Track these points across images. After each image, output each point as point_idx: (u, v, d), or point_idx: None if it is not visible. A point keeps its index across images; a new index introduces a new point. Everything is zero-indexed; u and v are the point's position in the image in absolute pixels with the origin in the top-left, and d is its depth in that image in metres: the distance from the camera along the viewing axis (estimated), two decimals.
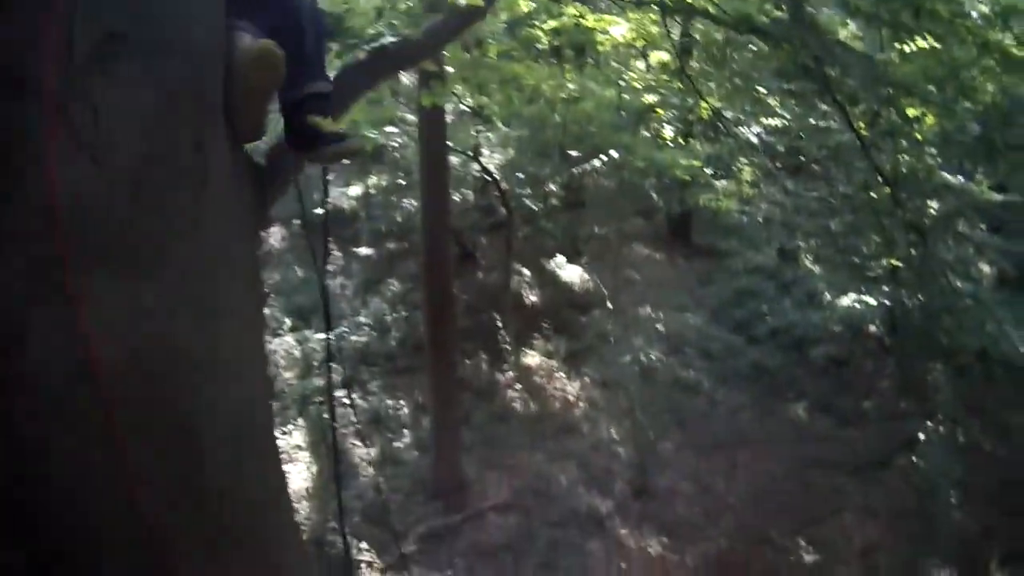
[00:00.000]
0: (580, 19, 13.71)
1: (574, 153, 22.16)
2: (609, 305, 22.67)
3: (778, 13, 8.86)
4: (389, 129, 20.91)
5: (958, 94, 12.60)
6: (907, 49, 11.59)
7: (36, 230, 2.36)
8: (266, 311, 19.89)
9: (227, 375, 3.01)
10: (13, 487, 2.46)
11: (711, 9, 8.95)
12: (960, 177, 16.86)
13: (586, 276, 24.99)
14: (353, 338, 21.81)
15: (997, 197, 16.67)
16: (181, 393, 2.78)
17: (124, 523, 2.61)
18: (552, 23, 14.35)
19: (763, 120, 19.53)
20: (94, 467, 2.55)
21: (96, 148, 2.44)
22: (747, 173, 21.38)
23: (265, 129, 3.43)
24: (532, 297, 24.42)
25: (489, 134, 21.91)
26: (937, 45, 10.79)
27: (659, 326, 21.88)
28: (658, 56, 17.85)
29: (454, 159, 20.08)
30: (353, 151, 3.82)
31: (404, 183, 23.03)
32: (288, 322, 22.54)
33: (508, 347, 21.58)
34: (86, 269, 2.44)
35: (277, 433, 17.34)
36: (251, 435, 3.22)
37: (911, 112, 13.37)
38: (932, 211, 16.28)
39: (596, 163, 21.39)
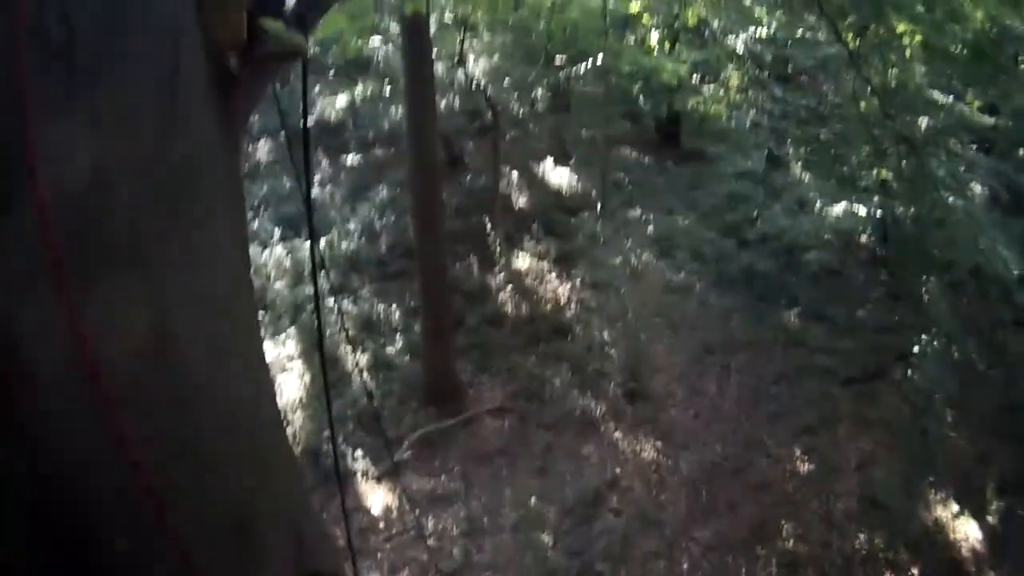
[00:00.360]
0: None
1: (560, 58, 22.07)
2: (599, 207, 22.65)
3: None
4: (374, 39, 20.83)
5: (947, 18, 12.56)
6: None
7: (33, 228, 2.35)
8: (255, 222, 19.90)
9: (224, 360, 3.07)
10: (23, 482, 2.47)
11: None
12: (951, 97, 16.83)
13: (575, 179, 24.95)
14: (343, 244, 21.80)
15: (988, 119, 16.62)
16: (180, 385, 2.86)
17: (132, 511, 2.68)
18: None
19: (750, 29, 19.45)
20: (100, 461, 2.61)
21: (71, 59, 2.40)
22: (734, 79, 21.34)
23: (244, 39, 3.38)
24: (521, 200, 24.41)
25: (474, 41, 21.75)
26: None
27: (649, 228, 21.84)
28: None
29: (439, 66, 19.91)
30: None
31: (390, 91, 22.89)
32: (277, 232, 22.50)
33: (498, 250, 21.55)
34: (75, 262, 2.44)
35: (270, 344, 17.46)
36: (254, 420, 3.29)
37: (900, 28, 13.33)
38: (922, 127, 16.16)
39: (582, 68, 21.25)
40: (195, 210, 2.95)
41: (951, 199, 15.67)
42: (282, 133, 25.18)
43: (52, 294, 2.38)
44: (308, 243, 21.38)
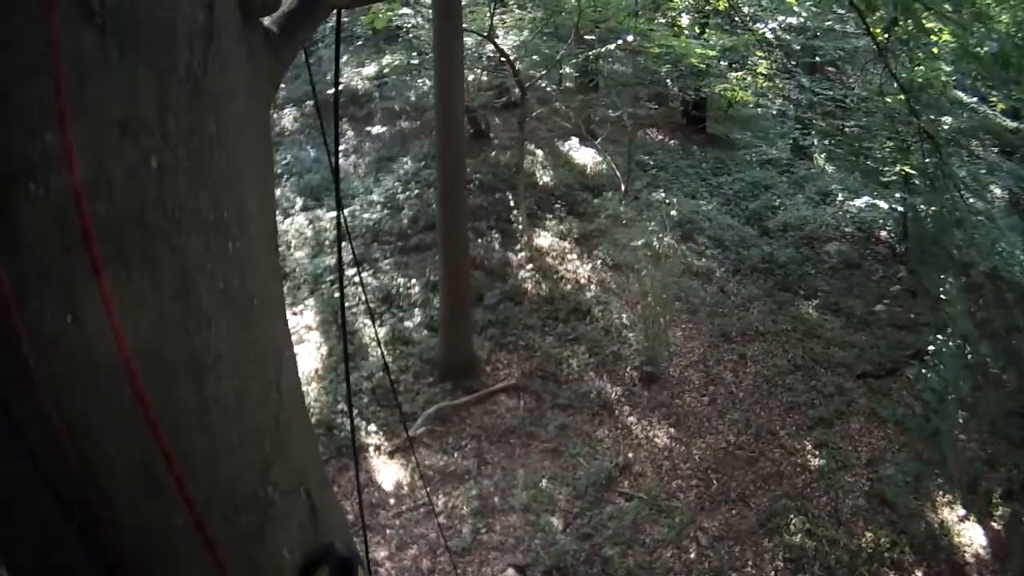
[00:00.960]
0: None
1: (589, 37, 22.05)
2: (622, 188, 22.63)
3: None
4: (403, 10, 20.80)
5: (974, 19, 12.57)
6: None
7: (60, 196, 2.32)
8: (277, 191, 19.90)
9: (247, 330, 3.09)
10: (35, 448, 2.46)
11: None
12: (975, 98, 16.84)
13: (599, 158, 24.92)
14: (365, 216, 21.81)
15: (1010, 123, 16.61)
16: (201, 354, 2.84)
17: (148, 478, 2.67)
18: None
19: (779, 17, 19.47)
20: (119, 426, 2.59)
21: (103, 21, 2.38)
22: (763, 67, 21.33)
23: (280, 2, 3.36)
24: (545, 178, 24.38)
25: (504, 16, 21.72)
26: None
27: (672, 212, 21.79)
28: None
29: (468, 39, 19.86)
30: None
31: (417, 63, 22.89)
32: (299, 201, 22.55)
33: (520, 227, 21.53)
34: (104, 230, 2.42)
35: (288, 314, 17.49)
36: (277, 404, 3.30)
37: (927, 24, 13.38)
38: (946, 126, 16.15)
39: (611, 47, 21.22)
40: (225, 180, 2.91)
41: (971, 200, 15.68)
42: (308, 102, 25.24)
43: (78, 262, 2.35)
44: (330, 213, 21.45)
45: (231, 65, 2.92)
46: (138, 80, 2.48)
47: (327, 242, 20.83)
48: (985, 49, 14.01)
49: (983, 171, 17.45)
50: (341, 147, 23.71)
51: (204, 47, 2.72)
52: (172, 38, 2.60)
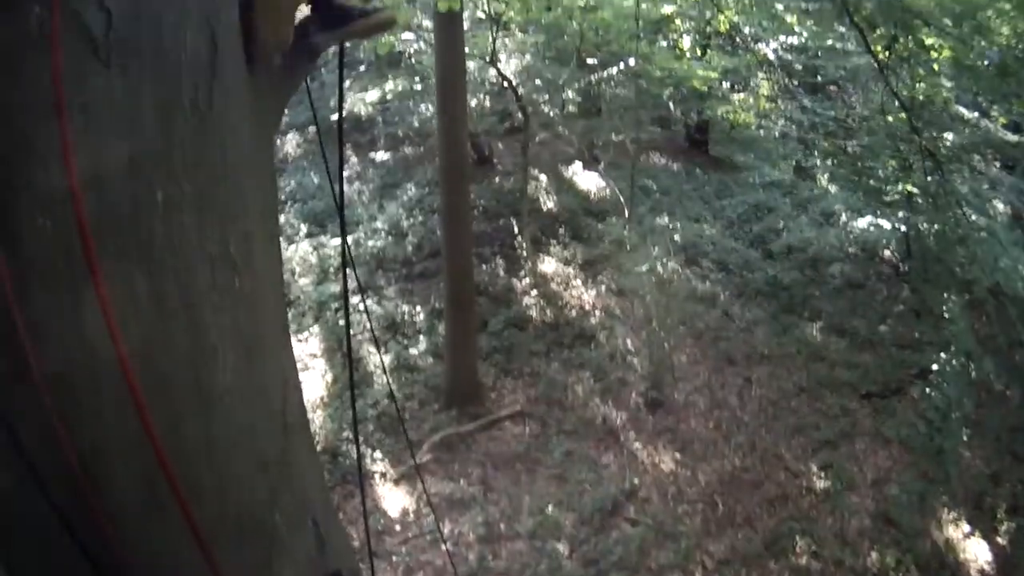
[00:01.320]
0: None
1: (591, 60, 22.08)
2: (626, 213, 22.63)
3: None
4: (406, 35, 20.82)
5: (974, 32, 12.61)
6: None
7: (60, 214, 2.32)
8: (281, 217, 19.90)
9: (254, 359, 3.05)
10: (45, 476, 2.47)
11: None
12: (976, 113, 16.85)
13: (603, 183, 24.90)
14: (370, 243, 21.80)
15: (1012, 136, 16.61)
16: (208, 383, 2.82)
17: (156, 506, 2.65)
18: None
19: (781, 37, 19.49)
20: (125, 453, 2.59)
21: (108, 49, 2.38)
22: (765, 88, 21.35)
23: (291, 38, 3.36)
24: (549, 203, 24.36)
25: (506, 40, 21.73)
26: None
27: (676, 236, 21.79)
28: None
29: (471, 64, 19.88)
30: (383, 23, 3.71)
31: (420, 88, 22.91)
32: (304, 228, 22.53)
33: (524, 253, 21.51)
34: (108, 253, 2.41)
35: (293, 341, 17.49)
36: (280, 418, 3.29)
37: (927, 40, 13.41)
38: (947, 143, 16.17)
39: (613, 71, 21.24)
40: (231, 213, 2.90)
41: (973, 216, 15.67)
42: (311, 128, 25.26)
43: (82, 282, 2.35)
44: (334, 240, 21.45)
45: (235, 97, 2.92)
46: (143, 114, 2.48)
47: (332, 269, 20.82)
48: (985, 62, 14.05)
49: (985, 187, 17.43)
50: (345, 173, 23.77)
51: (209, 80, 2.72)
52: (176, 71, 2.60)
